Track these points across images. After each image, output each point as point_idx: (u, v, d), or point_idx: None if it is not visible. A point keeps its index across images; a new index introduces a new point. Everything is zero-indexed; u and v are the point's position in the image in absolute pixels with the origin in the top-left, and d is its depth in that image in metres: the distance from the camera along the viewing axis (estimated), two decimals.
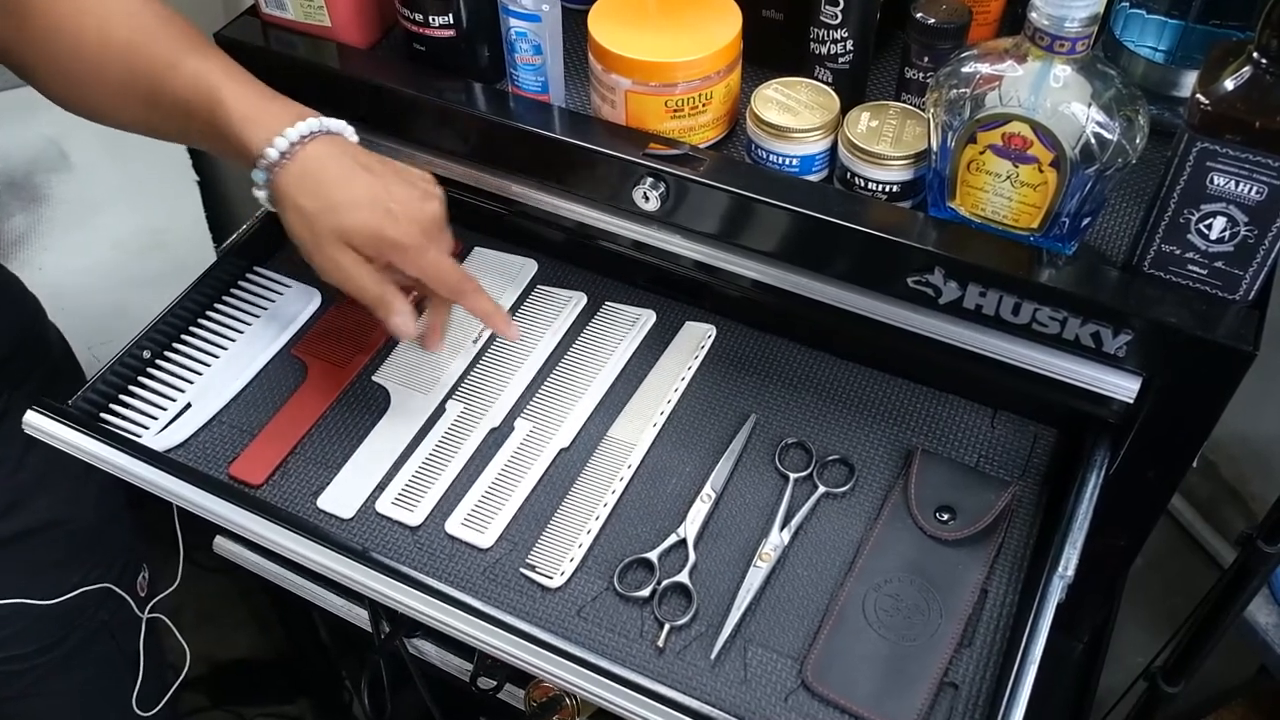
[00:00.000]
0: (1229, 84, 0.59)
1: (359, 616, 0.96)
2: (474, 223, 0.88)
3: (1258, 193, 0.61)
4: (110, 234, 1.32)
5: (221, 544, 1.00)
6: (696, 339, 0.87)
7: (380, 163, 0.71)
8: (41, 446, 0.93)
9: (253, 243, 0.90)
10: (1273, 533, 0.98)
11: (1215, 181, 0.61)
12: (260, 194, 0.70)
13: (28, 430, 0.76)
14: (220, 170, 1.43)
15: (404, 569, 0.69)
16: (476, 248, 0.93)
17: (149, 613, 1.09)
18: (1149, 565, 1.62)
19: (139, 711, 1.10)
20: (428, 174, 0.74)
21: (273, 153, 0.67)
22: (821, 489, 0.77)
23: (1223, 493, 1.52)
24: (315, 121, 0.69)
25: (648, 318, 0.88)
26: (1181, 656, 1.16)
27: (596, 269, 0.91)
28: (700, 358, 0.86)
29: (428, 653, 0.95)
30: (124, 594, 1.03)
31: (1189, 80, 0.74)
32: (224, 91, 0.69)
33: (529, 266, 0.92)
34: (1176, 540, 1.60)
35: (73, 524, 0.98)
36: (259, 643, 1.86)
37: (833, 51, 0.76)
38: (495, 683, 0.91)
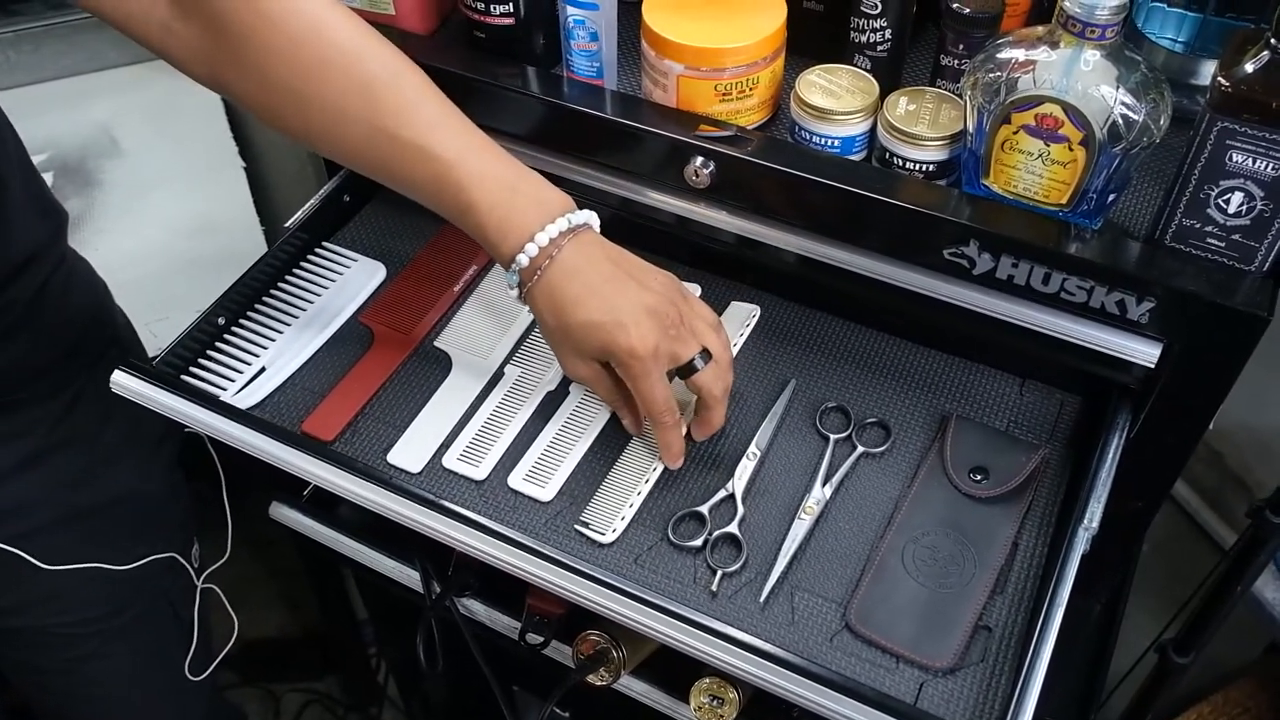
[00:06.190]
0: (1248, 67, 0.64)
1: (409, 577, 1.01)
2: None
3: (1273, 169, 0.65)
4: (161, 217, 1.36)
5: (277, 510, 1.05)
6: (741, 317, 0.92)
7: (622, 260, 0.74)
8: (112, 427, 0.98)
9: (317, 219, 0.95)
10: None
11: (1234, 159, 0.66)
12: (513, 293, 0.74)
13: (115, 389, 0.80)
14: (266, 157, 1.48)
15: (477, 517, 0.73)
16: None
17: (204, 582, 1.14)
18: (1155, 552, 1.65)
19: (190, 677, 1.15)
20: (670, 276, 0.76)
21: (524, 259, 0.71)
22: (860, 449, 0.82)
23: (1228, 481, 1.55)
24: (564, 221, 0.71)
25: (693, 292, 0.93)
26: (1192, 627, 1.21)
27: (641, 246, 0.95)
28: (745, 335, 0.90)
29: (476, 612, 1.00)
30: (186, 563, 1.08)
31: (1206, 69, 0.79)
32: (461, 171, 0.70)
33: None
34: (1183, 528, 1.64)
35: (140, 499, 1.03)
36: (288, 621, 1.90)
37: (872, 40, 0.81)
38: (542, 639, 0.95)
